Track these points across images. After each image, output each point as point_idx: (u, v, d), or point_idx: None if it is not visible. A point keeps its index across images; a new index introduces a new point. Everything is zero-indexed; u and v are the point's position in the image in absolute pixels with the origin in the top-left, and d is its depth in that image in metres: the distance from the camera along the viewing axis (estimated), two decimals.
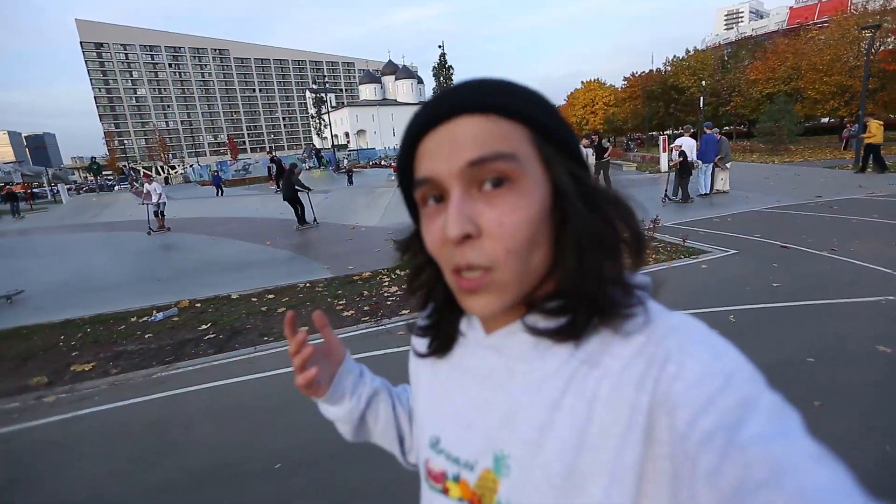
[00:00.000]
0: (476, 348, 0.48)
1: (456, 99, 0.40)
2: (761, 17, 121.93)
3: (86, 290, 6.68)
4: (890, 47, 22.82)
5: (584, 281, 0.40)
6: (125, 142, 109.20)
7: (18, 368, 4.01)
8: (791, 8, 76.95)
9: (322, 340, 0.63)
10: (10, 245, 9.53)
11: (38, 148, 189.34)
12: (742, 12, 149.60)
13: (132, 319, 5.04)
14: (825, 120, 31.83)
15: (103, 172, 27.53)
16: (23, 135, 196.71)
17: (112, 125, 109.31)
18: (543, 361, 0.42)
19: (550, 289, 0.43)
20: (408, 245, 0.51)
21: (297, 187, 10.63)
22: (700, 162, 10.29)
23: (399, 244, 0.51)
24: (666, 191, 10.50)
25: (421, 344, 0.54)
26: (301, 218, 10.63)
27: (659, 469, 0.35)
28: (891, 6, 24.62)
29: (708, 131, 10.57)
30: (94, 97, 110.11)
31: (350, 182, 19.42)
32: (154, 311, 5.15)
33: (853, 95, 23.20)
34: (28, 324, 5.13)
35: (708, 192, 10.44)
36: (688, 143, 10.12)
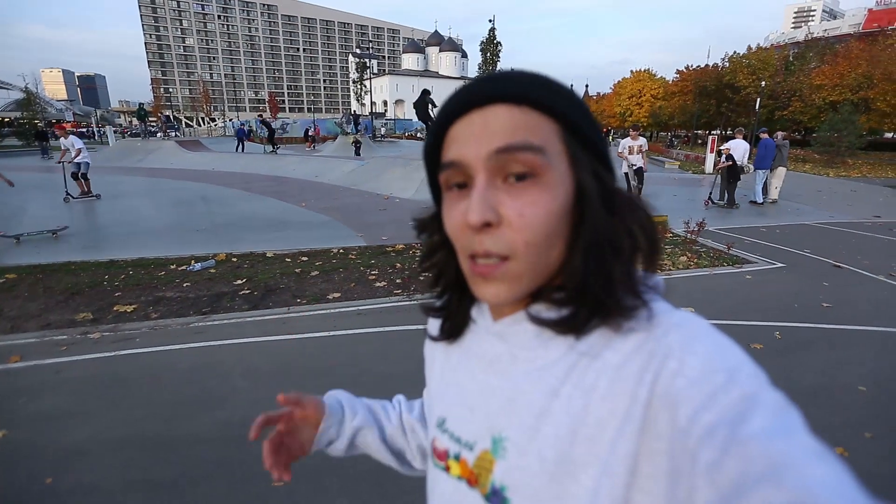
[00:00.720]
0: (484, 335, 0.49)
1: (491, 87, 0.41)
2: (835, 17, 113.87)
3: (128, 234, 6.92)
4: None
5: (593, 282, 0.40)
6: (170, 90, 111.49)
7: (67, 302, 4.21)
8: (870, 9, 71.46)
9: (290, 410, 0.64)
10: (57, 181, 9.90)
11: (89, 89, 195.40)
12: (814, 10, 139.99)
13: (171, 266, 5.20)
14: (889, 135, 29.84)
15: (149, 118, 28.14)
16: (75, 74, 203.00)
17: (160, 72, 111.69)
18: (546, 350, 0.43)
19: (558, 282, 0.43)
20: (426, 224, 0.51)
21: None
22: (751, 167, 9.80)
23: (418, 223, 0.52)
24: (710, 194, 10.08)
25: (434, 327, 0.56)
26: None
27: (656, 464, 0.35)
28: None
29: (764, 136, 10.05)
30: (145, 43, 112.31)
31: (357, 153, 18.82)
32: (193, 261, 5.30)
33: None
34: (76, 260, 5.36)
35: (760, 201, 9.95)
36: (741, 147, 9.62)
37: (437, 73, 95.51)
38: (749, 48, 37.44)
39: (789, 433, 0.31)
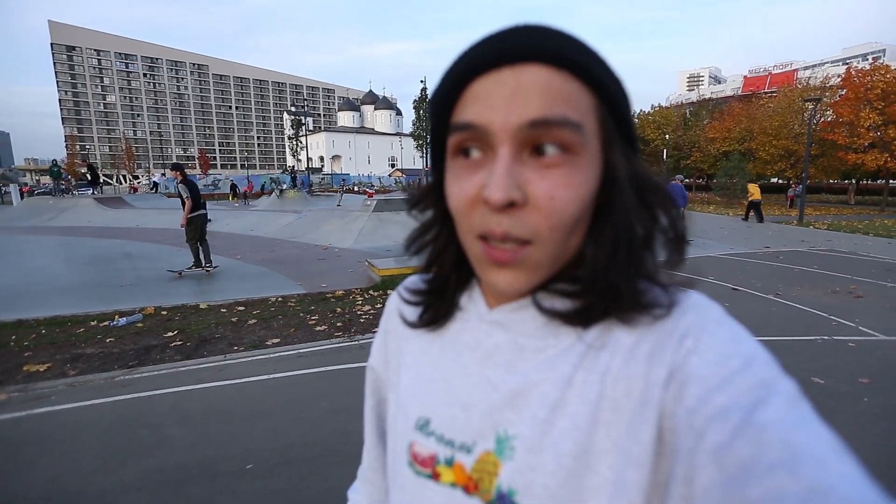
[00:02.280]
0: (478, 323, 0.44)
1: (529, 40, 0.35)
2: (719, 82, 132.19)
3: (39, 293, 6.38)
4: (829, 119, 25.23)
5: (615, 272, 0.37)
6: (87, 146, 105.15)
7: None
8: (745, 76, 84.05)
9: None
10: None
11: None
12: (703, 76, 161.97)
13: (92, 323, 4.87)
14: (774, 179, 34.45)
15: (64, 176, 26.36)
16: None
17: (75, 129, 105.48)
18: (557, 338, 0.40)
19: (571, 270, 0.40)
20: (422, 197, 0.46)
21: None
22: None
23: (411, 195, 0.47)
24: None
25: (411, 312, 0.49)
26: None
27: (666, 443, 0.34)
28: (828, 84, 27.38)
29: (675, 181, 11.26)
30: (59, 100, 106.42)
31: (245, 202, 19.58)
32: (117, 316, 5.00)
33: (798, 159, 25.34)
34: None
35: None
36: None
37: (373, 129, 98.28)
38: (653, 106, 42.33)
39: (809, 424, 0.29)
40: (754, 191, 16.04)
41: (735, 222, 15.77)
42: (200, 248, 7.53)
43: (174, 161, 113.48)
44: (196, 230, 7.40)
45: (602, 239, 0.38)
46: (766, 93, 48.65)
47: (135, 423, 2.86)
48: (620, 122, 0.38)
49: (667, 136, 35.97)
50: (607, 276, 0.37)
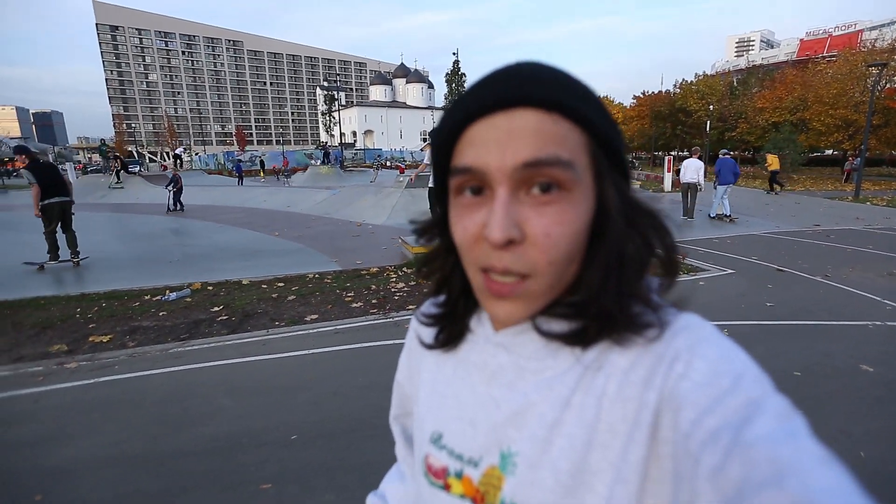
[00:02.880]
0: (485, 345, 0.47)
1: (519, 88, 0.37)
2: (772, 47, 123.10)
3: (98, 268, 6.83)
4: (895, 85, 23.19)
5: (608, 297, 0.39)
6: (133, 125, 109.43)
7: (38, 336, 4.17)
8: (802, 40, 77.85)
9: None
10: (21, 219, 9.66)
11: (45, 126, 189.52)
12: (753, 41, 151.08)
13: (146, 297, 5.19)
14: (829, 152, 32.23)
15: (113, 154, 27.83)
16: (30, 111, 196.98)
17: (121, 108, 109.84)
18: (556, 360, 0.42)
19: (568, 295, 0.42)
20: (428, 228, 0.49)
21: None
22: (702, 184, 10.40)
23: (419, 227, 0.50)
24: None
25: (427, 334, 0.53)
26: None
27: (663, 469, 0.35)
28: None
29: (725, 155, 10.60)
30: (106, 79, 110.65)
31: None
32: (167, 291, 5.31)
33: (857, 129, 23.54)
34: (45, 295, 5.28)
35: (721, 214, 10.17)
36: (694, 165, 10.26)
37: (405, 103, 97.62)
38: (696, 75, 40.05)
39: (794, 438, 0.30)
40: (773, 161, 16.31)
41: (783, 198, 14.96)
42: (65, 237, 6.79)
43: (213, 138, 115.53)
44: (53, 219, 6.65)
45: (595, 265, 0.40)
46: (824, 57, 45.02)
47: (188, 393, 3.08)
48: (612, 154, 0.40)
49: (711, 106, 34.05)
50: (600, 299, 0.39)
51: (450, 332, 0.50)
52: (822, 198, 15.07)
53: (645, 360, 0.38)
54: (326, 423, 2.67)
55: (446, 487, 0.46)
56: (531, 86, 0.37)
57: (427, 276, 0.50)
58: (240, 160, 29.57)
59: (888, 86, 22.91)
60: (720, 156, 10.68)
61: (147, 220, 11.73)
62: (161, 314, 4.66)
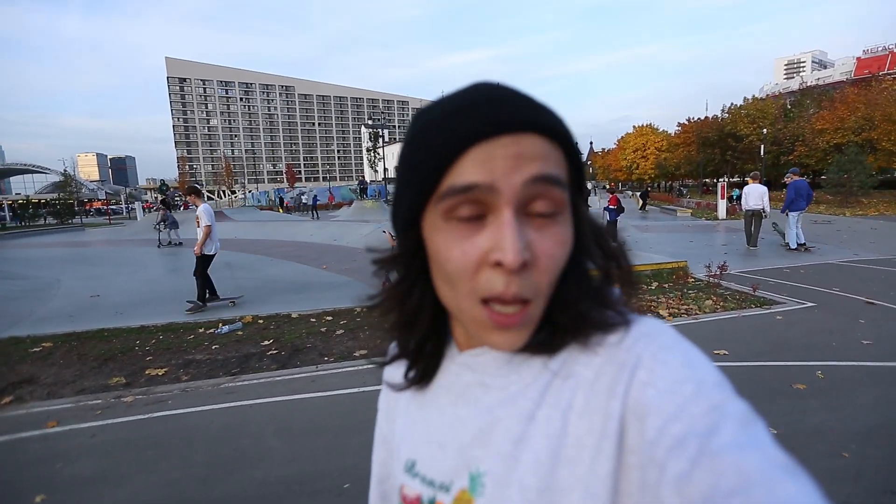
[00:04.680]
0: (450, 366, 0.46)
1: (525, 114, 0.37)
2: (825, 67, 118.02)
3: (157, 300, 7.10)
4: None
5: (578, 308, 0.40)
6: (194, 166, 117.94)
7: (101, 367, 4.28)
8: (859, 58, 74.15)
9: None
10: (94, 254, 10.33)
11: (119, 170, 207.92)
12: (804, 62, 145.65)
13: (200, 330, 5.29)
14: None
15: (172, 194, 30.01)
16: (108, 157, 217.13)
17: (185, 151, 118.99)
18: (519, 375, 0.41)
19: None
20: (393, 260, 0.45)
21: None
22: (767, 210, 9.72)
23: (382, 256, 0.45)
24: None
25: (395, 374, 0.51)
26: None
27: (631, 479, 0.34)
28: None
29: (795, 177, 9.52)
30: (173, 126, 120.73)
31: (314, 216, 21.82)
32: (220, 324, 5.39)
33: None
34: (109, 326, 5.50)
35: (794, 246, 9.22)
36: (758, 191, 9.62)
37: None
38: (745, 99, 38.73)
39: (759, 447, 0.30)
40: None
41: (856, 224, 13.80)
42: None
43: (265, 176, 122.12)
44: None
45: (571, 280, 0.40)
46: (887, 74, 42.46)
47: (239, 431, 3.00)
48: (581, 180, 0.42)
49: (764, 130, 32.62)
50: (574, 308, 0.40)
51: (425, 367, 0.48)
52: None
53: (608, 370, 0.38)
54: None
55: None
56: (535, 113, 0.38)
57: (386, 312, 0.46)
58: (315, 195, 31.32)
59: None
60: (788, 178, 9.68)
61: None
62: (214, 347, 4.71)
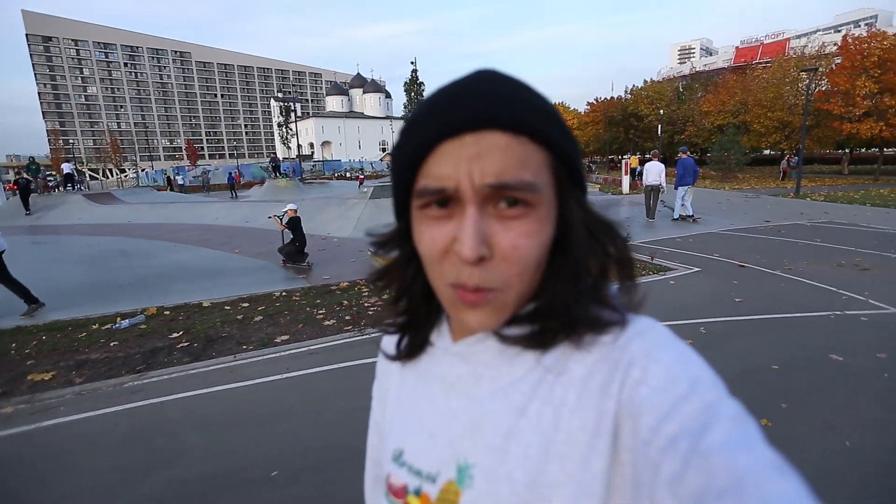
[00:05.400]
0: (444, 356, 0.47)
1: (488, 109, 0.37)
2: (710, 54, 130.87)
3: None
4: (823, 89, 25.05)
5: (571, 300, 0.40)
6: (71, 141, 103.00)
7: None
8: (737, 47, 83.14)
9: None
10: None
11: None
12: (694, 49, 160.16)
13: (94, 326, 4.76)
14: (767, 152, 34.39)
15: (44, 173, 25.86)
16: None
17: (57, 123, 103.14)
18: (511, 367, 0.42)
19: (531, 302, 0.43)
20: (388, 241, 0.47)
21: None
22: (664, 186, 10.68)
23: (377, 239, 0.48)
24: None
25: (390, 344, 0.52)
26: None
27: (624, 476, 0.35)
28: (824, 52, 27.13)
29: (684, 156, 10.61)
30: (39, 93, 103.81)
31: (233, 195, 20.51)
32: (118, 318, 4.89)
33: (793, 130, 25.24)
34: None
35: (676, 216, 10.40)
36: (656, 168, 10.53)
37: (363, 113, 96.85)
38: (645, 81, 41.91)
39: (750, 446, 0.31)
40: (633, 161, 20.23)
41: (733, 196, 15.75)
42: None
43: (161, 153, 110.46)
44: None
45: (560, 274, 0.41)
46: (759, 63, 48.18)
47: (151, 431, 2.79)
48: (571, 170, 0.41)
49: (661, 111, 35.68)
50: (565, 304, 0.40)
51: (411, 342, 0.49)
52: (767, 195, 15.96)
53: (602, 367, 0.38)
54: (309, 454, 2.46)
55: None
56: (499, 107, 0.37)
57: (385, 287, 0.49)
58: (231, 172, 28.47)
59: (817, 89, 24.71)
60: (679, 156, 10.76)
61: (91, 242, 10.92)
62: (112, 344, 4.27)
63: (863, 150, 33.15)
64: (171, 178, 34.67)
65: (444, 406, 0.45)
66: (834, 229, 8.84)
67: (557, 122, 0.40)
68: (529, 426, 0.39)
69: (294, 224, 7.42)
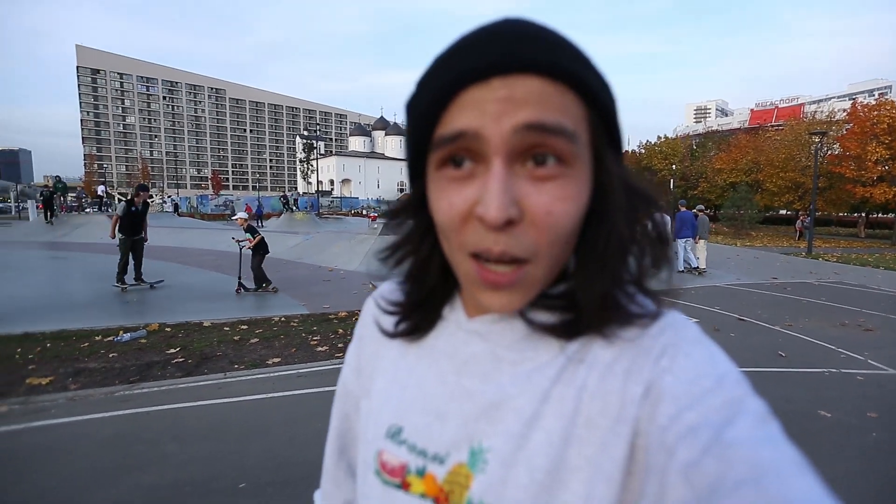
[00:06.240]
0: (456, 332, 0.43)
1: (520, 51, 0.33)
2: (726, 115, 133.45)
3: (47, 306, 6.46)
4: (835, 152, 25.32)
5: (607, 281, 0.37)
6: (105, 166, 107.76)
7: None
8: (752, 109, 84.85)
9: None
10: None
11: (10, 163, 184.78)
12: (709, 109, 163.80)
13: (97, 338, 4.90)
14: (783, 211, 34.36)
15: (68, 193, 26.69)
16: None
17: (94, 149, 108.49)
18: (536, 352, 0.39)
19: (556, 280, 0.39)
20: (401, 210, 0.44)
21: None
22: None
23: (391, 207, 0.45)
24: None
25: (389, 321, 0.47)
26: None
27: (638, 461, 0.34)
28: (834, 118, 27.60)
29: (682, 209, 10.68)
30: (81, 120, 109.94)
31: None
32: (121, 332, 5.04)
33: (806, 191, 25.31)
34: None
35: (681, 269, 10.23)
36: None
37: (383, 154, 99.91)
38: (659, 138, 42.78)
39: (774, 442, 0.30)
40: None
41: (744, 253, 15.68)
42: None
43: (188, 182, 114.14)
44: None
45: (593, 250, 0.37)
46: (772, 126, 49.02)
47: (131, 438, 2.86)
48: (610, 127, 0.37)
49: (674, 166, 36.20)
50: (597, 286, 0.37)
51: (420, 320, 0.45)
52: (778, 253, 15.86)
53: (629, 353, 0.36)
54: (281, 469, 2.50)
55: (404, 486, 0.41)
56: (534, 49, 0.33)
57: (397, 263, 0.44)
58: (246, 203, 29.45)
59: (829, 152, 24.98)
60: (679, 209, 10.79)
61: (108, 260, 11.27)
62: (111, 356, 4.40)
63: (880, 215, 32.88)
64: (178, 204, 36.43)
65: (456, 385, 0.41)
66: (842, 290, 8.74)
67: (597, 72, 0.36)
68: (552, 412, 0.37)
69: (252, 230, 7.60)
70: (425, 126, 0.36)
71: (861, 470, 2.66)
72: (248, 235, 7.64)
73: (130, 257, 7.79)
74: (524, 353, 0.39)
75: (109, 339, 4.86)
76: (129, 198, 7.91)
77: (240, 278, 7.53)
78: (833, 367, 4.32)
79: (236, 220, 7.77)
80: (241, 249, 7.75)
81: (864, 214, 29.91)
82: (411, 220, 0.43)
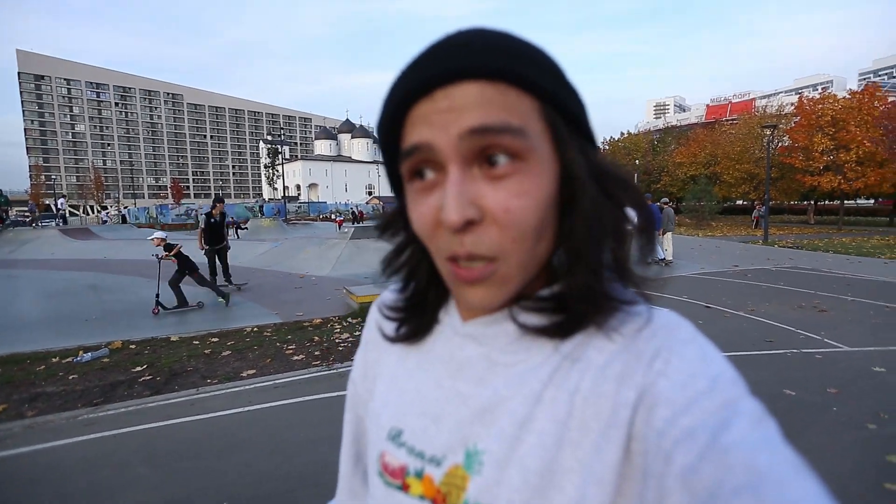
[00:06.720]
0: (452, 336, 0.44)
1: (454, 62, 0.34)
2: (684, 110, 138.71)
3: None
4: (785, 144, 26.69)
5: (586, 272, 0.37)
6: (54, 177, 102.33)
7: None
8: (708, 105, 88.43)
9: None
10: None
11: None
12: (668, 105, 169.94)
13: (53, 360, 4.64)
14: (740, 201, 35.95)
15: (12, 207, 25.21)
16: None
17: (41, 159, 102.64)
18: (528, 354, 0.40)
19: (543, 277, 0.40)
20: (389, 223, 0.46)
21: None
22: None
23: (380, 222, 0.46)
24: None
25: (390, 327, 0.49)
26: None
27: (634, 466, 0.34)
28: (783, 112, 29.09)
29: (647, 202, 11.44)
30: (25, 129, 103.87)
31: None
32: (81, 352, 4.78)
33: (760, 182, 26.58)
34: None
35: (653, 259, 10.99)
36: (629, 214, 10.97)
37: (350, 157, 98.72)
38: (622, 134, 44.00)
39: (771, 445, 0.30)
40: None
41: (706, 243, 16.30)
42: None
43: (145, 191, 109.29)
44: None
45: (570, 238, 0.37)
46: (727, 120, 51.22)
47: (99, 463, 2.71)
48: (572, 119, 0.37)
49: (636, 161, 37.30)
50: (578, 276, 0.37)
51: (416, 325, 0.47)
52: (737, 242, 16.58)
53: (623, 357, 0.36)
54: (263, 483, 2.42)
55: (404, 488, 0.42)
56: (469, 56, 0.34)
57: (394, 273, 0.47)
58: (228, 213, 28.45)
59: (780, 144, 26.29)
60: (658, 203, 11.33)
61: (63, 276, 10.69)
62: (71, 378, 4.16)
63: (827, 202, 34.89)
64: (126, 216, 35.30)
65: (451, 389, 0.42)
66: (797, 274, 9.20)
67: (547, 66, 0.36)
68: (545, 414, 0.37)
69: (169, 247, 7.25)
70: (391, 143, 0.38)
71: (826, 443, 2.80)
72: (164, 252, 7.23)
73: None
74: (517, 354, 0.40)
75: (68, 360, 4.61)
76: (208, 211, 8.34)
77: (157, 296, 6.96)
78: (794, 348, 4.54)
79: (152, 240, 7.25)
80: (159, 262, 7.35)
81: (812, 202, 31.64)
82: (401, 232, 0.45)
